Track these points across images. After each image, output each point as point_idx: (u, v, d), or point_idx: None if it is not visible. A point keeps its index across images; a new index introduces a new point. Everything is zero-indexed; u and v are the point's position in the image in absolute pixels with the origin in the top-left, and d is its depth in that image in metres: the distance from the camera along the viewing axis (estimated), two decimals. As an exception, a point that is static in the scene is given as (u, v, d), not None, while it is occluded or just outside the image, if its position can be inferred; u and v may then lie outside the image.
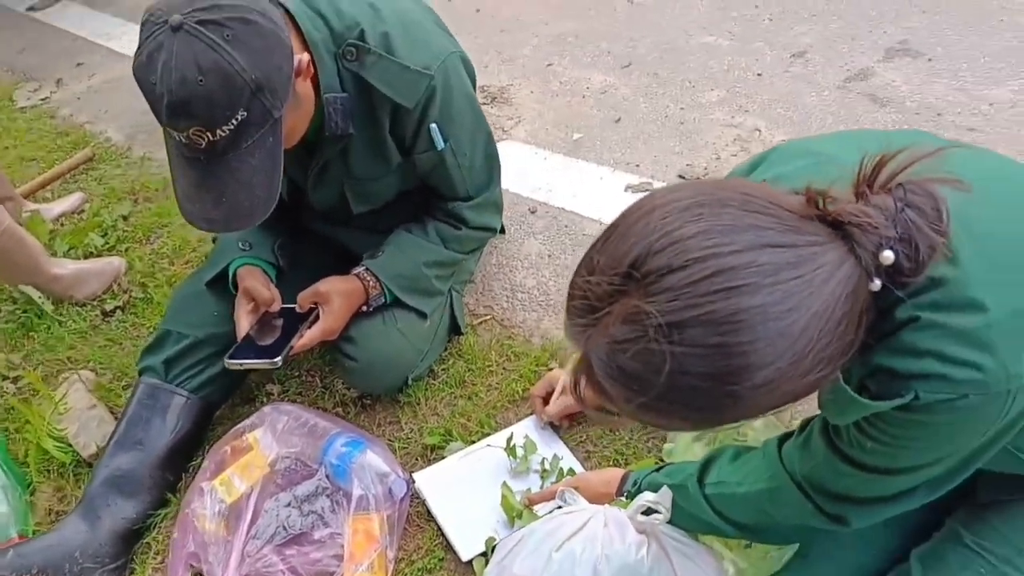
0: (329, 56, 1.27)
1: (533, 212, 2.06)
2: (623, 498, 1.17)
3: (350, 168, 1.41)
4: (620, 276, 0.65)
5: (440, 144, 1.38)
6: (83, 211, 2.38)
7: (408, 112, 1.32)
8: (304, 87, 1.22)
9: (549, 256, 1.92)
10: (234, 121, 1.09)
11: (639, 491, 1.11)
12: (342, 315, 1.42)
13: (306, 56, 1.20)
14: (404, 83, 1.30)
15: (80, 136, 2.84)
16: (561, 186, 2.13)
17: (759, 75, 2.45)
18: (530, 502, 1.30)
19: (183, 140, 1.11)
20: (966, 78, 2.28)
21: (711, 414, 0.68)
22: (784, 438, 0.97)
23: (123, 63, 3.34)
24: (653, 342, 0.63)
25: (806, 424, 0.92)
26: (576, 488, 1.21)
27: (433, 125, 1.35)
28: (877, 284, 0.66)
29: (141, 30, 1.08)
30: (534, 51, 2.85)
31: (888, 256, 0.65)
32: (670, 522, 1.06)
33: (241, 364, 1.35)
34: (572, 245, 1.94)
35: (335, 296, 1.41)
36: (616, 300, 0.65)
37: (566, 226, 1.99)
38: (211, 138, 1.09)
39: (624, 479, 1.19)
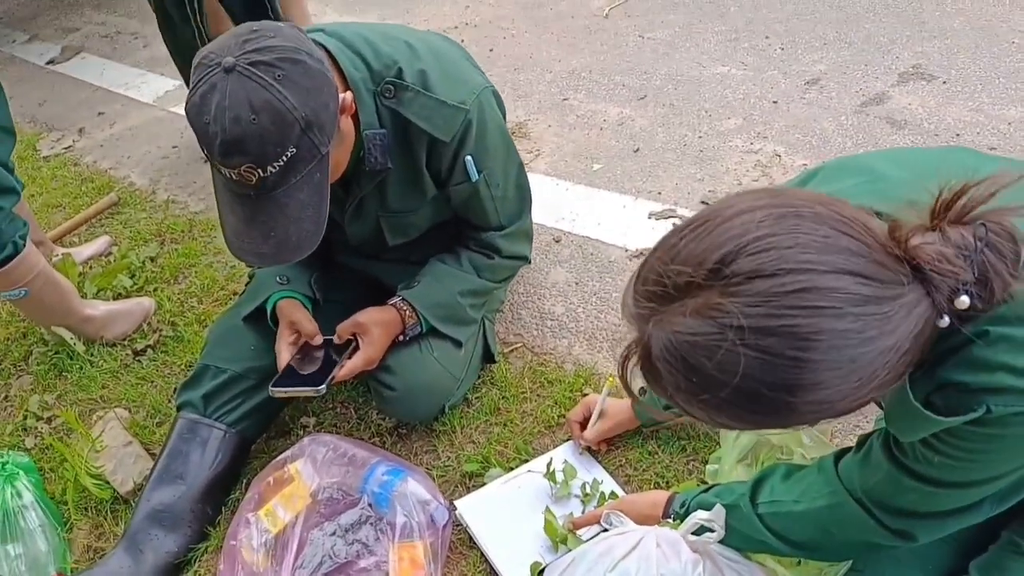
0: (368, 94, 1.30)
1: (558, 241, 2.08)
2: (670, 520, 1.16)
3: (386, 201, 1.44)
4: (706, 270, 0.65)
5: (475, 176, 1.41)
6: (111, 254, 2.42)
7: (445, 145, 1.35)
8: (347, 123, 1.25)
9: (576, 284, 1.93)
10: (284, 158, 1.11)
11: (688, 512, 1.10)
12: (381, 344, 1.43)
13: (349, 94, 1.24)
14: (441, 118, 1.33)
15: (104, 182, 2.89)
16: (584, 215, 2.16)
17: (775, 103, 2.49)
18: (575, 526, 1.29)
19: (233, 177, 1.14)
20: (982, 99, 2.30)
21: (761, 418, 0.69)
22: (840, 454, 0.96)
23: (142, 111, 3.42)
24: (728, 342, 0.63)
25: (864, 439, 0.92)
26: (621, 510, 1.20)
27: (468, 157, 1.38)
28: (946, 321, 0.68)
29: (193, 73, 1.12)
30: (549, 87, 2.90)
31: (964, 301, 0.66)
32: (722, 542, 1.05)
33: (286, 392, 1.36)
34: (598, 272, 1.95)
35: (374, 326, 1.43)
36: (695, 293, 0.66)
37: (592, 254, 2.00)
38: (261, 174, 1.12)
39: (670, 501, 1.18)
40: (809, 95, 2.48)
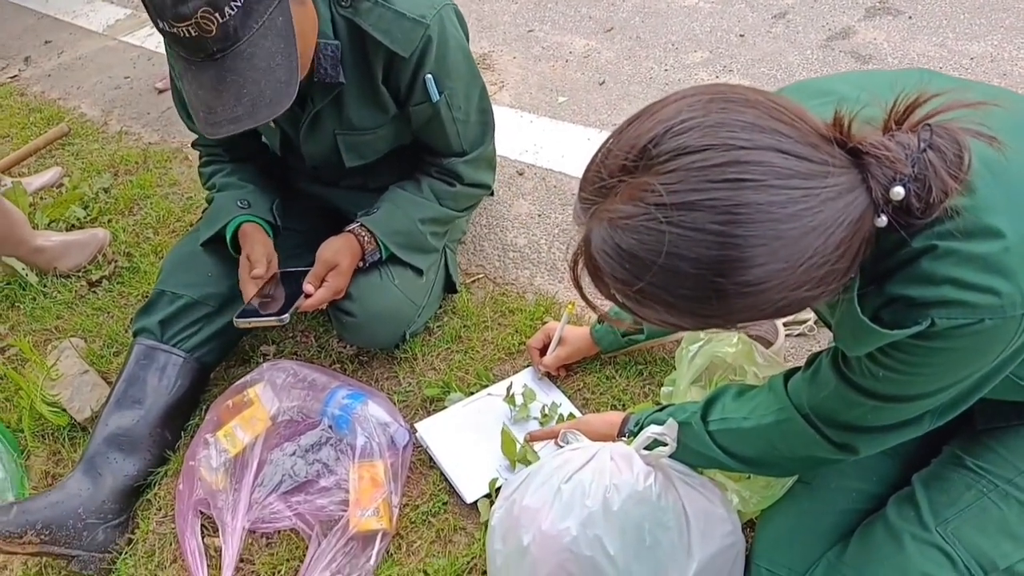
0: (323, 2, 1.25)
1: (521, 174, 2.07)
2: (625, 438, 1.19)
3: (344, 118, 1.40)
4: (636, 153, 0.66)
5: (435, 96, 1.37)
6: (62, 184, 2.34)
7: (403, 61, 1.31)
8: None
9: (539, 216, 1.93)
10: None
11: (642, 430, 1.12)
12: (347, 274, 1.42)
13: None
14: (400, 30, 1.29)
15: (53, 112, 2.79)
16: (548, 148, 2.14)
17: (741, 36, 2.47)
18: (532, 438, 1.31)
19: (191, 33, 1.07)
20: (946, 34, 2.31)
21: (695, 306, 0.69)
22: (790, 373, 0.98)
23: (91, 39, 3.28)
24: (654, 220, 0.64)
25: (814, 358, 0.93)
26: (578, 429, 1.22)
27: (428, 76, 1.35)
28: (883, 220, 0.68)
29: None
30: (514, 18, 2.84)
31: (899, 192, 0.66)
32: (674, 457, 1.08)
33: (250, 322, 1.34)
34: (561, 204, 1.94)
35: (339, 257, 1.40)
36: (627, 178, 0.66)
37: (555, 186, 2.00)
38: (219, 19, 1.06)
39: (625, 420, 1.21)
40: (776, 29, 2.47)
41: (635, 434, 1.15)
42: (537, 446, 1.32)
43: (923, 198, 0.66)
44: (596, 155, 0.71)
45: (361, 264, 1.47)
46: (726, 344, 1.24)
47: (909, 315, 0.72)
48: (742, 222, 0.63)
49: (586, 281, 0.76)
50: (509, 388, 1.42)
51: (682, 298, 0.68)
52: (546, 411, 1.40)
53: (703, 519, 1.05)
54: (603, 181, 0.68)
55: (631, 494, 1.03)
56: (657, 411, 1.15)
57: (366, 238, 1.46)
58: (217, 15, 1.06)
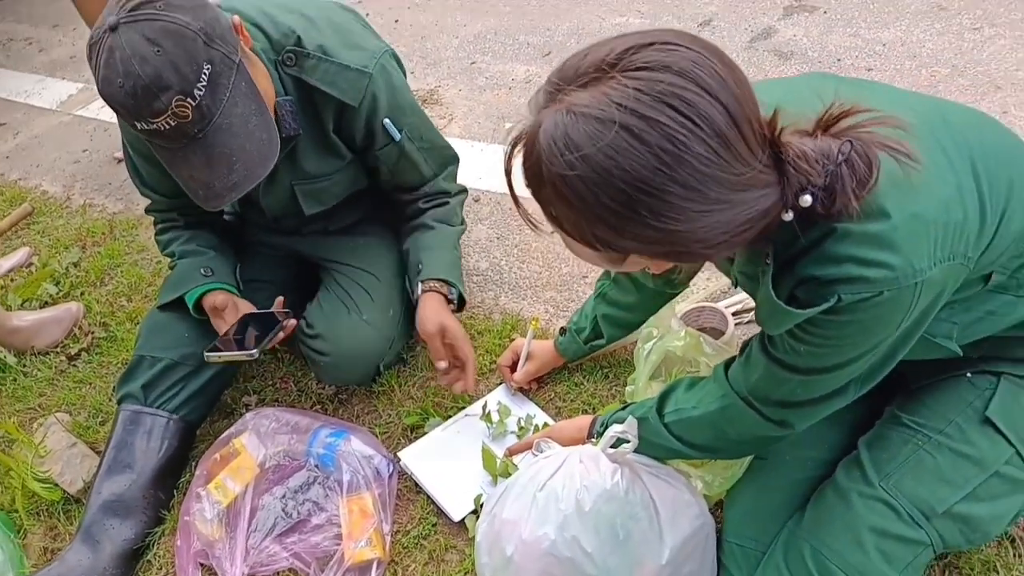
0: (270, 64, 1.33)
1: (477, 200, 2.15)
2: (593, 440, 1.26)
3: (300, 168, 1.47)
4: (618, 53, 0.70)
5: (397, 136, 1.46)
6: (31, 264, 2.38)
7: (354, 111, 1.39)
8: (248, 49, 1.26)
9: (498, 238, 2.01)
10: (204, 75, 1.13)
11: (607, 429, 1.20)
12: (458, 328, 1.48)
13: (236, 16, 1.24)
14: (345, 81, 1.37)
15: (15, 193, 2.82)
16: (500, 173, 2.21)
17: (671, 46, 2.58)
18: (510, 453, 1.38)
19: (171, 124, 1.13)
20: (859, 25, 2.45)
21: (605, 214, 0.71)
22: (730, 362, 1.06)
23: (46, 117, 3.32)
24: (609, 117, 0.68)
25: (747, 344, 1.02)
26: (551, 437, 1.29)
27: (386, 120, 1.43)
28: (789, 216, 0.76)
29: (89, 57, 1.14)
30: (456, 52, 2.94)
31: (807, 200, 0.74)
32: (637, 451, 1.15)
33: (220, 356, 1.39)
34: (518, 226, 2.03)
35: (440, 318, 1.47)
36: (599, 75, 0.70)
37: (509, 209, 2.08)
38: (193, 103, 1.13)
39: (593, 423, 1.28)
40: (703, 35, 2.57)
41: (600, 434, 1.22)
42: (516, 459, 1.38)
43: (827, 207, 0.74)
44: (579, 51, 0.74)
45: (453, 309, 1.53)
46: (675, 339, 1.32)
47: (819, 293, 0.81)
48: (677, 156, 0.68)
49: (516, 168, 0.78)
50: (484, 407, 1.49)
51: (598, 203, 0.70)
52: (522, 424, 1.47)
53: (671, 506, 1.12)
54: (576, 72, 0.72)
55: (601, 493, 1.10)
56: (619, 411, 1.22)
57: (439, 285, 1.52)
58: (189, 100, 1.13)
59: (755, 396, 1.00)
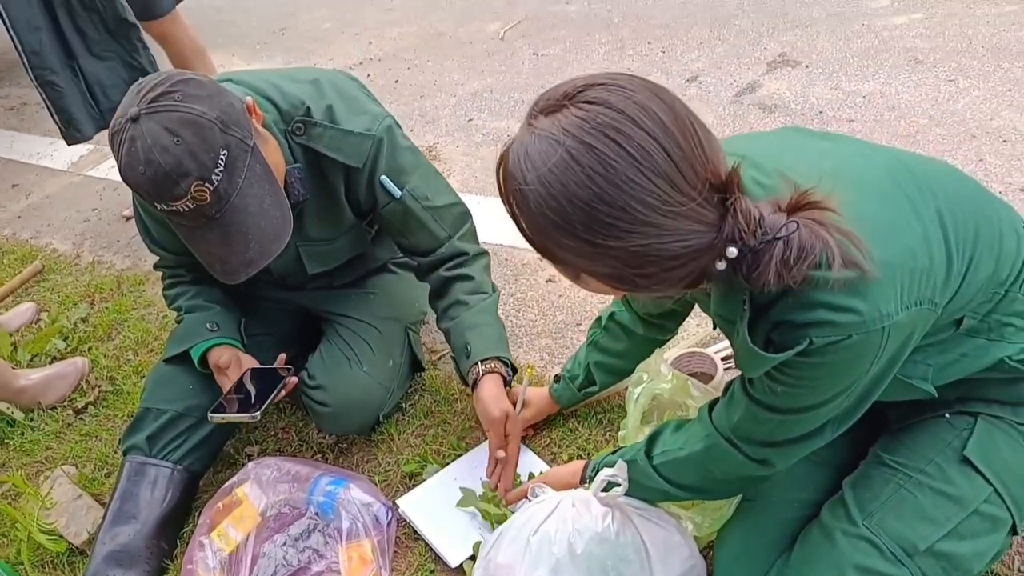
0: (280, 134, 1.41)
1: (474, 253, 2.21)
2: (586, 484, 1.29)
3: (304, 231, 1.53)
4: (576, 88, 0.80)
5: (396, 192, 1.50)
6: (39, 320, 2.44)
7: (359, 172, 1.46)
8: (261, 127, 1.34)
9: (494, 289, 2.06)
10: (221, 161, 1.20)
11: (598, 473, 1.23)
12: (505, 407, 1.47)
13: (249, 98, 1.32)
14: (350, 146, 1.44)
15: (27, 251, 2.90)
16: (496, 224, 2.27)
17: (660, 101, 2.68)
18: (507, 502, 1.41)
19: (191, 207, 1.21)
20: (840, 78, 2.55)
21: (551, 228, 0.80)
22: (715, 403, 1.11)
23: (57, 178, 3.43)
24: (557, 140, 0.77)
25: (730, 385, 1.07)
26: (545, 483, 1.32)
27: (383, 177, 1.48)
28: (722, 264, 0.81)
29: (111, 143, 1.22)
30: (454, 110, 3.05)
31: (732, 251, 0.79)
32: (628, 494, 1.18)
33: (224, 418, 1.45)
34: (513, 275, 2.08)
35: (499, 403, 1.46)
36: (563, 103, 0.80)
37: (506, 259, 2.14)
38: (211, 187, 1.20)
39: (585, 467, 1.32)
40: (690, 91, 2.69)
41: (593, 479, 1.25)
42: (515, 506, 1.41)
43: (750, 271, 0.80)
44: (556, 84, 0.84)
45: (509, 387, 1.53)
46: (662, 382, 1.36)
47: (792, 336, 0.86)
48: (607, 179, 0.76)
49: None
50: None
51: (543, 215, 0.80)
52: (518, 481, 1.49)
53: (662, 548, 1.15)
54: (546, 102, 0.82)
55: (592, 536, 1.13)
56: (609, 454, 1.26)
57: (495, 366, 1.50)
58: (207, 184, 1.20)
59: (737, 436, 1.04)
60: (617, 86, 0.80)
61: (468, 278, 1.58)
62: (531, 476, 1.49)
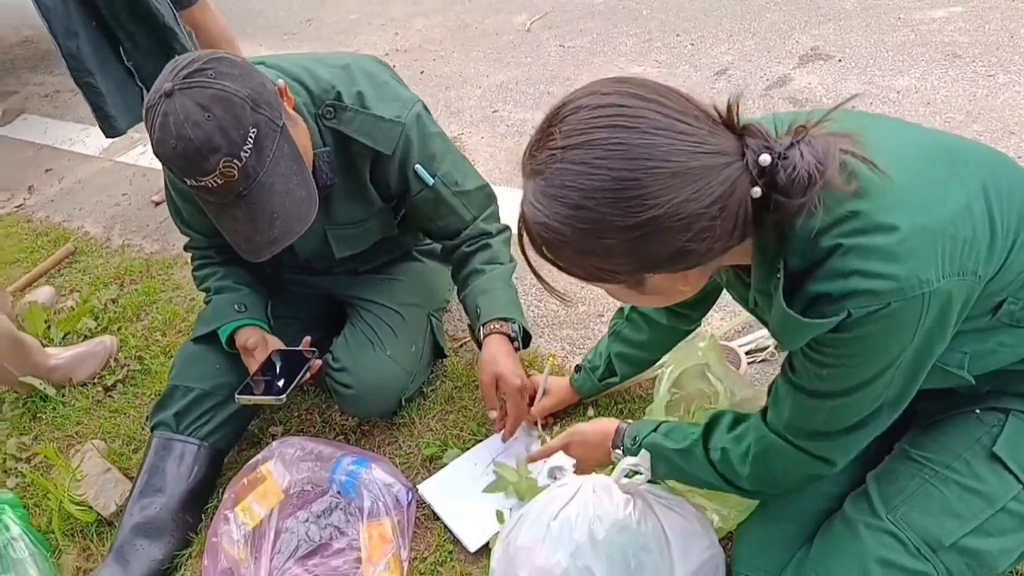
0: (311, 117, 1.42)
1: (498, 242, 2.22)
2: (619, 450, 1.21)
3: (332, 215, 1.55)
4: (551, 114, 0.81)
5: (430, 180, 1.52)
6: (58, 303, 2.49)
7: (389, 159, 1.48)
8: (292, 110, 1.36)
9: (517, 278, 2.06)
10: (250, 139, 1.22)
11: (639, 448, 1.16)
12: (513, 369, 1.49)
13: (280, 81, 1.34)
14: (380, 132, 1.45)
15: (59, 234, 2.96)
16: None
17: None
18: (529, 460, 1.40)
19: (218, 183, 1.23)
20: (873, 72, 2.51)
21: (592, 241, 0.79)
22: (766, 409, 1.06)
23: (89, 163, 3.49)
24: (555, 160, 0.78)
25: (773, 385, 1.03)
26: (572, 442, 1.28)
27: (418, 166, 1.51)
28: (757, 191, 0.80)
29: (144, 118, 1.24)
30: (479, 101, 3.05)
31: (765, 158, 0.78)
32: (656, 481, 1.16)
33: (250, 400, 1.47)
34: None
35: (500, 366, 1.48)
36: (548, 137, 0.80)
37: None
38: (239, 164, 1.22)
39: (618, 432, 1.23)
40: (719, 84, 2.67)
41: (633, 451, 1.18)
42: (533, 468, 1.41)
43: (788, 175, 0.78)
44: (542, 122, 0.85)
45: (517, 348, 1.54)
46: (699, 341, 1.34)
47: (830, 310, 0.83)
48: (618, 156, 0.76)
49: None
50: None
51: (579, 233, 0.79)
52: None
53: (682, 538, 1.15)
54: (536, 140, 0.82)
55: (613, 523, 1.13)
56: (654, 430, 1.17)
57: (497, 325, 1.53)
58: (236, 161, 1.22)
59: (791, 432, 1.00)
60: (585, 93, 0.81)
61: (487, 248, 1.62)
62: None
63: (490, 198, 1.67)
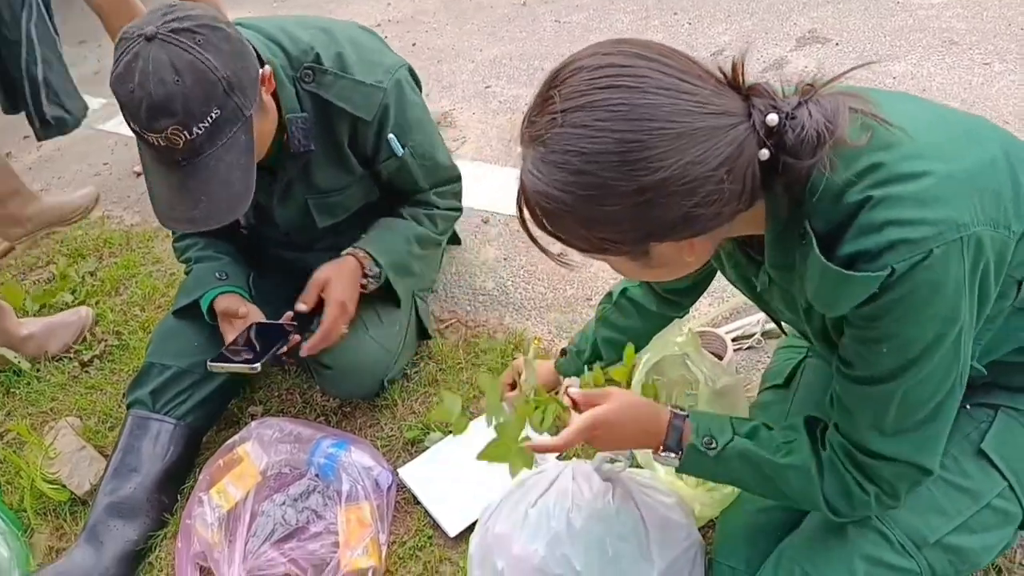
0: (288, 80, 1.38)
1: (486, 222, 2.18)
2: (671, 455, 0.98)
3: (313, 183, 1.51)
4: (550, 79, 0.78)
5: (399, 151, 1.50)
6: (37, 275, 2.43)
7: (367, 124, 1.44)
8: (268, 98, 1.32)
9: (505, 259, 2.04)
10: (209, 119, 1.17)
11: (714, 445, 0.97)
12: (347, 288, 1.48)
13: (268, 68, 1.30)
14: (360, 97, 1.41)
15: (38, 203, 2.89)
16: (510, 195, 2.24)
17: (682, 74, 2.62)
18: (538, 451, 1.05)
19: (161, 143, 1.18)
20: (870, 56, 2.47)
21: (595, 208, 0.76)
22: (814, 434, 0.96)
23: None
24: (555, 125, 0.75)
25: (813, 422, 0.96)
26: (596, 436, 1.01)
27: (391, 136, 1.48)
28: (765, 153, 0.76)
29: (116, 48, 1.18)
30: (472, 76, 3.00)
31: (773, 118, 0.75)
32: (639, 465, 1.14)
33: (223, 367, 1.42)
34: (525, 247, 2.06)
35: (334, 275, 1.48)
36: (545, 101, 0.77)
37: (517, 231, 2.11)
38: (188, 137, 1.17)
39: (670, 427, 0.99)
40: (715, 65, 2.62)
41: (701, 450, 0.97)
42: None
43: (796, 135, 0.75)
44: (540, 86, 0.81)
45: (363, 284, 1.53)
46: (677, 334, 1.31)
47: (871, 267, 0.77)
48: (621, 118, 0.73)
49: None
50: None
51: (581, 200, 0.76)
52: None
53: (661, 527, 1.14)
54: (529, 110, 0.79)
55: (592, 511, 1.12)
56: (746, 436, 0.99)
57: (361, 254, 1.54)
58: (186, 133, 1.17)
59: (875, 441, 0.88)
60: (586, 54, 0.78)
61: (421, 206, 1.63)
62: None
63: (451, 177, 1.67)
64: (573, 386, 1.08)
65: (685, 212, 0.76)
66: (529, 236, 0.85)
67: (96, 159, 3.11)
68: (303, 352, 1.47)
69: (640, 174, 0.74)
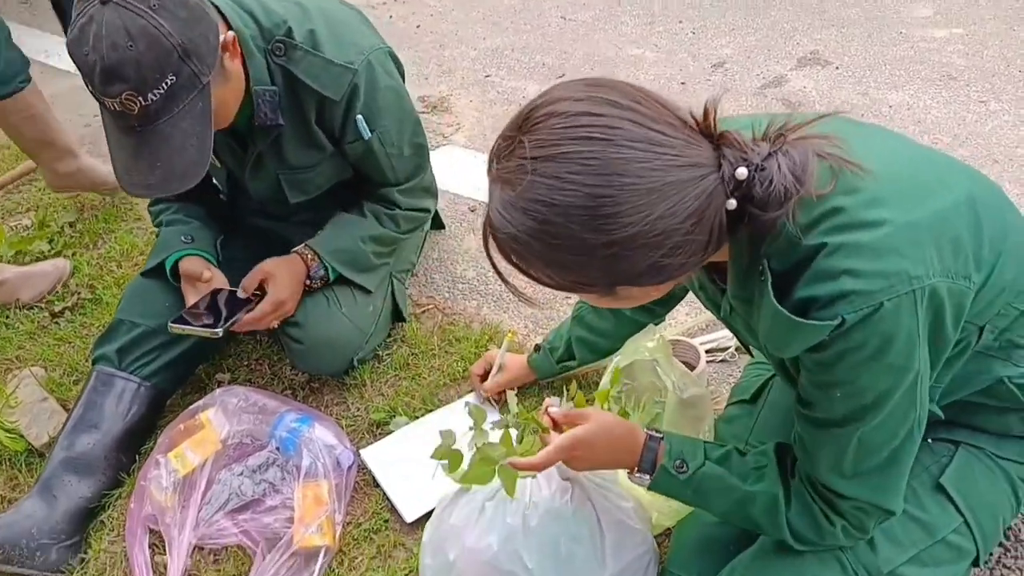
0: (259, 51, 1.36)
1: (473, 210, 2.18)
2: (645, 477, 1.00)
3: (284, 158, 1.50)
4: (519, 120, 0.77)
5: (366, 134, 1.48)
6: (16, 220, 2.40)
7: (335, 104, 1.42)
8: (233, 65, 1.30)
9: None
10: (164, 85, 1.16)
11: (692, 479, 0.99)
12: (289, 287, 1.50)
13: (231, 34, 1.28)
14: (329, 76, 1.40)
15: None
16: (499, 186, 2.25)
17: (683, 84, 2.63)
18: (517, 467, 1.06)
19: (116, 108, 1.17)
20: (869, 83, 2.49)
21: (563, 255, 0.76)
22: (784, 463, 0.97)
23: (62, 78, 3.34)
24: (524, 172, 0.74)
25: (794, 440, 0.95)
26: (576, 456, 1.03)
27: (359, 117, 1.46)
28: (732, 203, 0.77)
29: (73, 9, 1.16)
30: (472, 63, 2.98)
31: (742, 172, 0.76)
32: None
33: (183, 329, 1.41)
34: (510, 239, 2.05)
35: (278, 271, 1.49)
36: (514, 143, 0.77)
37: (504, 222, 2.10)
38: (143, 103, 1.16)
39: (646, 448, 1.01)
40: (714, 77, 2.63)
41: (666, 470, 0.99)
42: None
43: (764, 188, 0.76)
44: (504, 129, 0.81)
45: (308, 284, 1.54)
46: (648, 339, 1.32)
47: (822, 315, 0.78)
48: (592, 172, 0.73)
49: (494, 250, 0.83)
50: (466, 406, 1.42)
51: (550, 248, 0.76)
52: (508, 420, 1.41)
53: (616, 531, 1.14)
54: (501, 146, 0.79)
55: (548, 510, 1.12)
56: (715, 461, 1.00)
57: (309, 256, 1.54)
58: (140, 98, 1.16)
59: (834, 481, 0.90)
60: (558, 96, 0.77)
61: (383, 206, 1.61)
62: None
63: (420, 168, 1.64)
64: (553, 406, 1.11)
65: (652, 263, 0.77)
66: (494, 268, 0.85)
67: (87, 110, 3.06)
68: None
69: (610, 228, 0.74)
